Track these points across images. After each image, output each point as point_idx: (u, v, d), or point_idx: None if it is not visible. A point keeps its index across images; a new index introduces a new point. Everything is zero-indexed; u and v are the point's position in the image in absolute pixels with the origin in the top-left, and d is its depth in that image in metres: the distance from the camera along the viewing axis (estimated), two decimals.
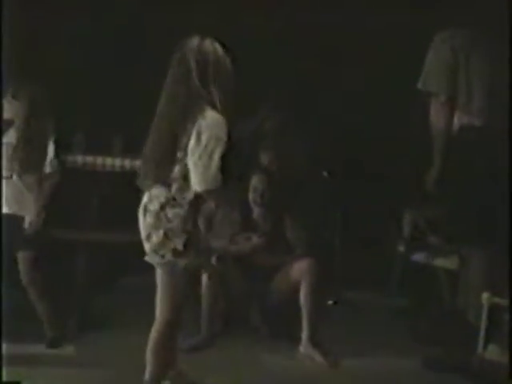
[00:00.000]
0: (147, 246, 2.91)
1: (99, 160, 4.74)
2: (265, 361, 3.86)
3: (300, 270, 3.99)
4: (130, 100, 5.12)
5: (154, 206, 2.85)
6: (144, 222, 2.90)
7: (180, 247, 2.82)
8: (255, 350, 3.94)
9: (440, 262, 4.38)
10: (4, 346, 3.49)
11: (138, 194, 5.08)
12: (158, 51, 5.18)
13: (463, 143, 3.78)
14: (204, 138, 2.73)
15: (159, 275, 2.96)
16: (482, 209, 3.74)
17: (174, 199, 2.81)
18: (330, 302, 4.93)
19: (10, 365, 3.37)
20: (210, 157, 2.73)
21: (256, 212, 4.20)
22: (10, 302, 3.88)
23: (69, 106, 4.51)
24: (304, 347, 3.91)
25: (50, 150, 3.94)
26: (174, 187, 2.81)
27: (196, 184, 2.78)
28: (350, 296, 4.95)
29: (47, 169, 3.94)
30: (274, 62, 5.11)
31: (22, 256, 3.86)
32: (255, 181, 4.19)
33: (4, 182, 3.86)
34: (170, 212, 2.82)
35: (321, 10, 5.01)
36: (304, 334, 3.92)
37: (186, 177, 2.79)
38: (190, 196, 2.81)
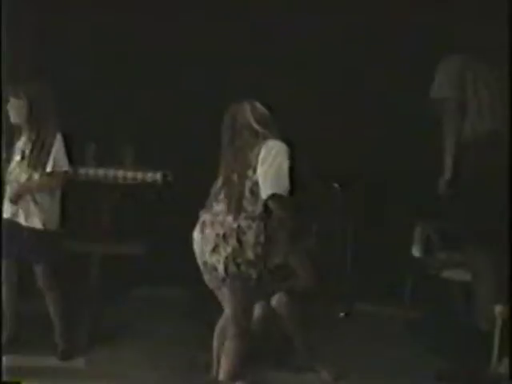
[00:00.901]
0: (214, 259, 3.14)
1: (111, 172, 4.74)
2: (270, 376, 3.83)
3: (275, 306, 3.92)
4: (142, 110, 5.14)
5: (227, 219, 3.12)
6: (204, 237, 3.17)
7: (252, 257, 3.09)
8: (261, 366, 3.90)
9: (452, 274, 4.35)
10: (14, 358, 3.49)
11: (149, 206, 5.02)
12: (169, 59, 5.25)
13: (474, 147, 3.86)
14: (273, 151, 3.14)
15: (227, 292, 3.17)
16: (493, 215, 3.76)
17: (246, 211, 3.12)
18: (342, 314, 4.91)
19: (20, 376, 3.37)
20: (280, 166, 3.10)
21: None
22: (21, 313, 3.90)
23: (80, 117, 4.53)
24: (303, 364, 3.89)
25: (57, 145, 3.77)
26: (245, 201, 3.12)
27: (267, 188, 3.08)
28: (362, 308, 4.92)
29: (48, 167, 3.77)
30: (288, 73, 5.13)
31: (39, 268, 3.82)
32: None
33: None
34: (243, 223, 3.11)
35: (328, 13, 5.02)
36: (301, 354, 3.89)
37: (254, 191, 3.12)
38: (259, 209, 3.12)
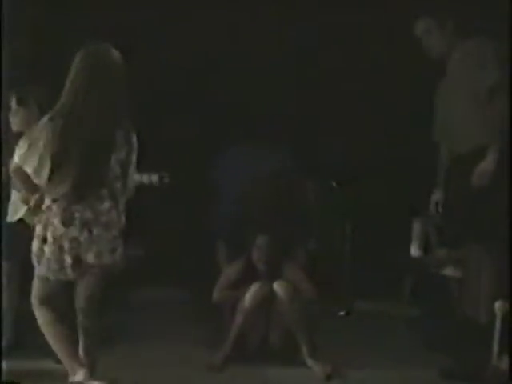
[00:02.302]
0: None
1: None
2: (271, 372, 3.82)
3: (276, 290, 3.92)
4: (138, 112, 5.13)
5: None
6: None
7: None
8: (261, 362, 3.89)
9: (450, 271, 4.34)
10: (12, 362, 3.48)
11: (142, 208, 5.01)
12: (167, 59, 5.24)
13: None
14: None
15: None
16: (491, 212, 3.75)
17: None
18: (342, 313, 4.90)
19: (19, 380, 3.37)
20: None
21: (259, 267, 4.09)
22: (19, 315, 3.88)
23: None
24: (305, 359, 3.88)
25: None
26: None
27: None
28: (362, 306, 4.92)
29: None
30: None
31: None
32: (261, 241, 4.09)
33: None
34: None
35: (327, 12, 5.02)
36: (303, 349, 3.89)
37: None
38: None
